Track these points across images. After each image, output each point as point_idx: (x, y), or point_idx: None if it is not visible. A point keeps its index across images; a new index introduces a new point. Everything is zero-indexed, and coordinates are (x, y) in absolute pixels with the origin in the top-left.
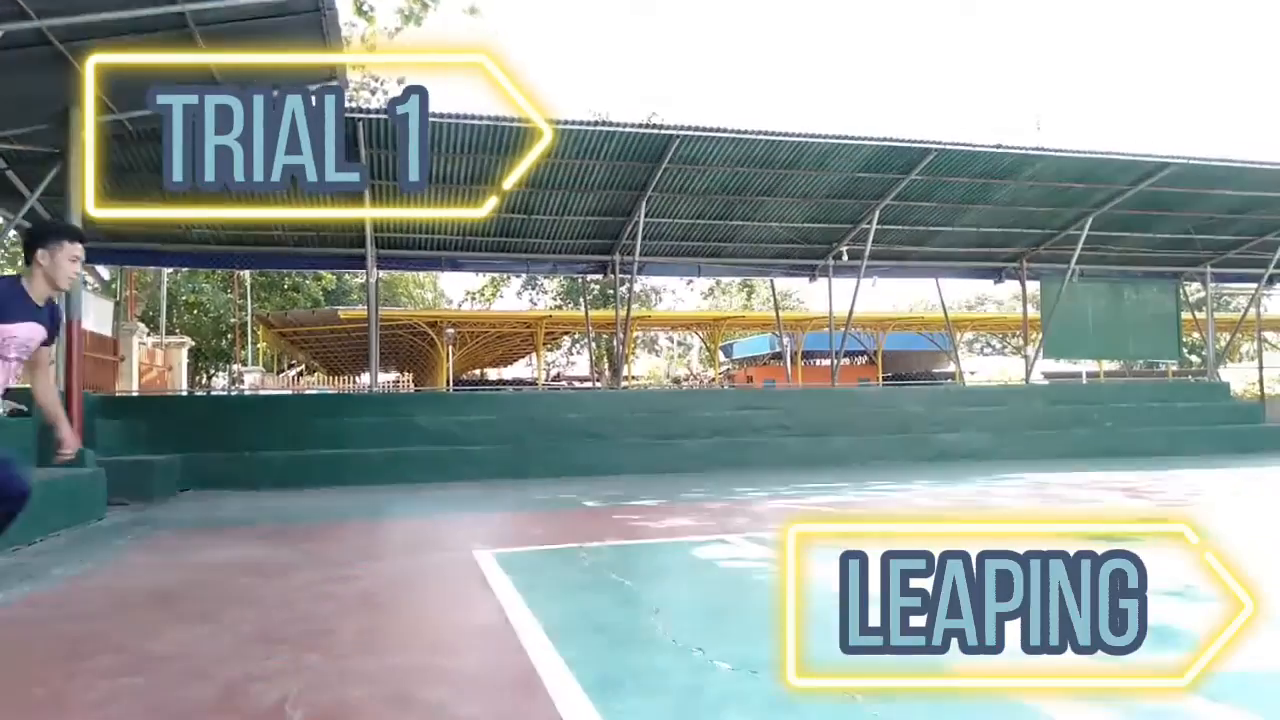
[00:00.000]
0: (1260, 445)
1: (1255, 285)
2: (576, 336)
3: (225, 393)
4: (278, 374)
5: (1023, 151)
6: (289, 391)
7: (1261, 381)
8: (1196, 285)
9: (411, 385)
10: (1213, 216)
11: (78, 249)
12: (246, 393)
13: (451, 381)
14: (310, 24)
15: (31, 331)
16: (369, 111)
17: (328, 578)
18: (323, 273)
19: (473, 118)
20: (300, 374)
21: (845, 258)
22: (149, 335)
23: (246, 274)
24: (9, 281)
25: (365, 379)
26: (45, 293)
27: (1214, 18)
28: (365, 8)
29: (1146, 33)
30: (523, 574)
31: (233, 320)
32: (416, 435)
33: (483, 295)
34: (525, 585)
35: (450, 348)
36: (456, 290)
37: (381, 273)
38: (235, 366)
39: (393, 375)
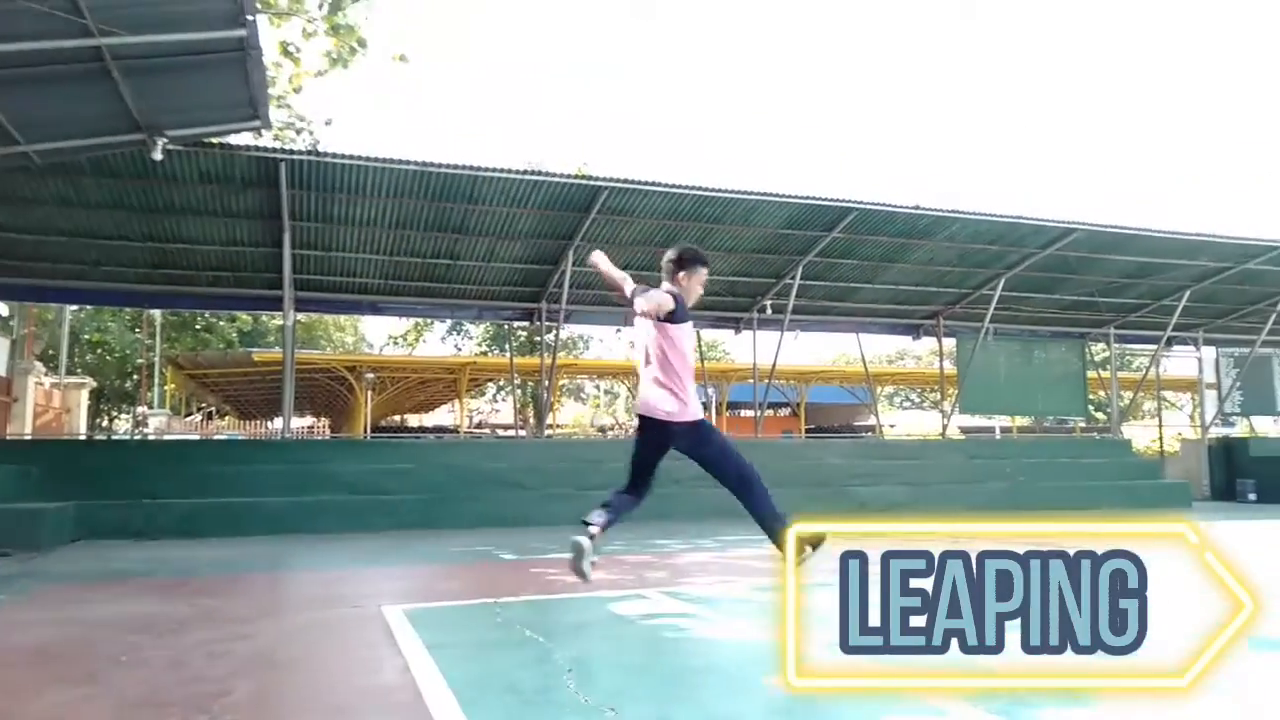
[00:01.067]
0: (1159, 501)
1: (1155, 346)
2: (501, 383)
3: (127, 437)
4: (185, 417)
5: (939, 213)
6: (196, 436)
7: (1161, 439)
8: (1101, 345)
9: (327, 431)
10: (1115, 280)
11: (706, 273)
12: (150, 437)
13: (369, 428)
14: (234, 63)
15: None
16: (292, 152)
17: (224, 635)
18: (238, 314)
19: (400, 163)
20: (208, 418)
21: (769, 311)
22: (47, 375)
23: (157, 313)
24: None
25: (278, 424)
26: None
27: (1119, 83)
28: (291, 49)
29: (1060, 97)
30: (433, 631)
31: (139, 361)
32: (329, 483)
33: (406, 340)
34: (435, 643)
35: (369, 393)
36: (379, 334)
37: (300, 315)
38: (140, 409)
39: (308, 420)
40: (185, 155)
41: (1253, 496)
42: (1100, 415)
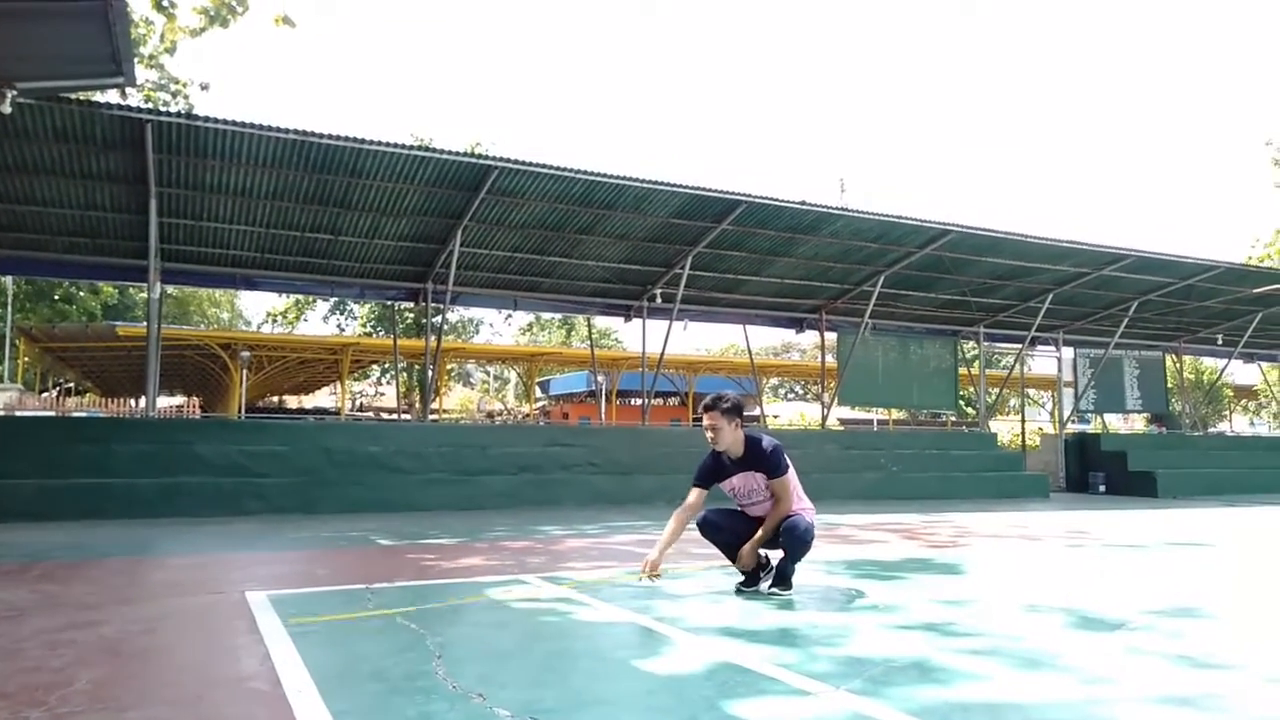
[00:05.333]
0: (1020, 491)
1: (1020, 345)
2: (386, 366)
3: None
4: (40, 393)
5: (824, 210)
6: (49, 412)
7: (1024, 433)
8: (972, 343)
9: (198, 411)
10: (985, 281)
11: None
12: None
13: (244, 408)
14: (95, 12)
15: (744, 481)
16: (160, 114)
17: (68, 623)
18: (101, 284)
19: (277, 130)
20: (65, 393)
21: (659, 300)
22: None
23: (8, 280)
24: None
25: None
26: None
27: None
28: (164, 3)
29: (947, 103)
30: (298, 617)
31: None
32: (197, 465)
33: (286, 318)
34: (299, 630)
35: (245, 372)
36: (258, 311)
37: (170, 288)
38: None
39: (179, 399)
40: (38, 109)
41: (1102, 488)
42: (970, 410)
